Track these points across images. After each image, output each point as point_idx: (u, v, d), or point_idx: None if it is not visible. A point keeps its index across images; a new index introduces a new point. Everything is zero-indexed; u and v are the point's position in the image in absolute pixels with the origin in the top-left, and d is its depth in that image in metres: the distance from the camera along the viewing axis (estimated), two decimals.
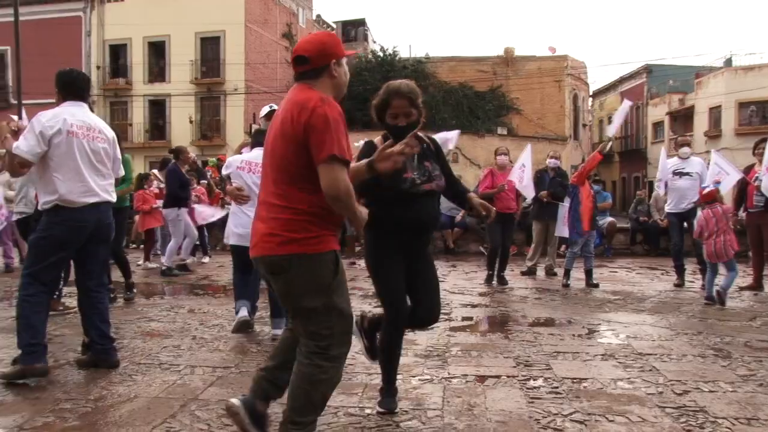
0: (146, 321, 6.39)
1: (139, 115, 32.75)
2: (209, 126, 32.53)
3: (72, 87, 4.54)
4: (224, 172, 5.76)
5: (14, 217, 8.56)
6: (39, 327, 4.30)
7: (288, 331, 3.17)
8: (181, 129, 32.00)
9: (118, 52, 33.62)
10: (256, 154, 5.25)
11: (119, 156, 4.75)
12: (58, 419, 3.60)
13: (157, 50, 33.01)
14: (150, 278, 9.61)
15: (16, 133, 4.53)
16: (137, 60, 33.00)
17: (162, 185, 10.77)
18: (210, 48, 32.39)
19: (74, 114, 4.44)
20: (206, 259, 11.76)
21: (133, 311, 6.82)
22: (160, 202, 10.43)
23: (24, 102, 22.29)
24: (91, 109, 4.79)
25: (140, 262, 10.89)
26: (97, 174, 4.48)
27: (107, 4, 33.43)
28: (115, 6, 33.31)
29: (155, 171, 11.93)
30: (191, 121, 32.06)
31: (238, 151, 6.35)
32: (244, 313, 5.58)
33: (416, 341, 5.46)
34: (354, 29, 45.80)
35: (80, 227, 4.40)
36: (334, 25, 44.71)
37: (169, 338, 5.62)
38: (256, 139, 5.46)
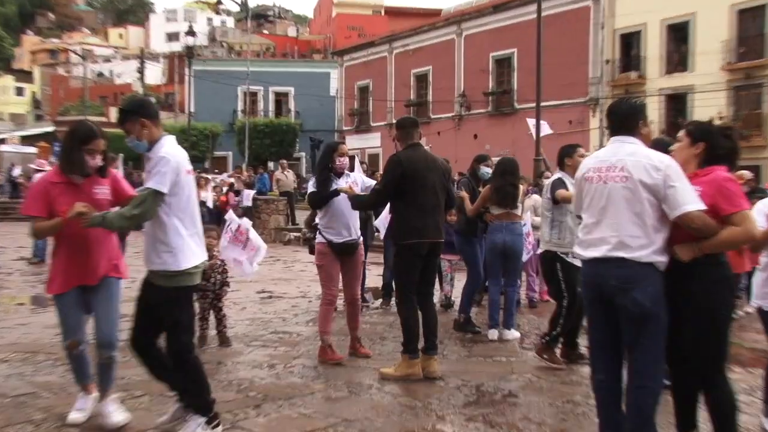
0: None
1: (653, 113, 27.77)
2: (746, 122, 25.77)
3: (610, 120, 3.86)
4: None
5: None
6: None
7: None
8: None
9: (630, 43, 29.31)
10: None
11: (673, 191, 3.43)
12: None
13: (678, 34, 27.68)
14: None
15: None
16: (652, 49, 28.16)
17: None
18: (751, 22, 25.57)
19: (599, 155, 3.83)
20: None
21: None
22: None
23: (531, 105, 18.63)
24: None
25: None
26: (631, 223, 3.50)
27: None
28: None
29: None
30: (720, 118, 25.84)
31: None
32: None
33: None
34: None
35: (585, 283, 3.81)
36: None
37: None
38: None
